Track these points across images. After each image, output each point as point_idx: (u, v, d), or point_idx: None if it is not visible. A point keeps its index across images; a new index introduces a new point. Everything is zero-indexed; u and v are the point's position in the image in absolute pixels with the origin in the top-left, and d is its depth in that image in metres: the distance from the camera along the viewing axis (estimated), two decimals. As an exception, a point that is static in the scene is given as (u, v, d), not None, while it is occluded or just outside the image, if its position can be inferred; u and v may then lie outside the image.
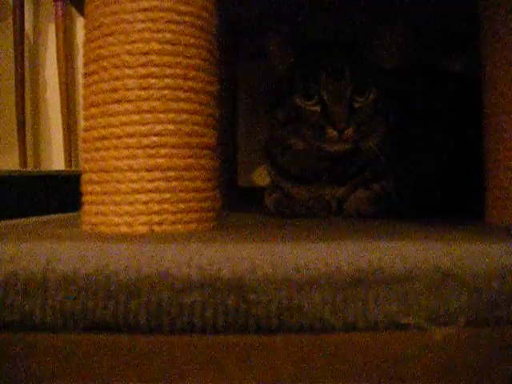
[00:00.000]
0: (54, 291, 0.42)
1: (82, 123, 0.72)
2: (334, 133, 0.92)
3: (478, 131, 0.83)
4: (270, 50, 1.03)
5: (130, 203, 0.65)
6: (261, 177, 1.71)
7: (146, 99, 0.66)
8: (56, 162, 1.89)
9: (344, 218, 0.96)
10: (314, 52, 1.00)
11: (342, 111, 0.92)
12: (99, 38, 0.68)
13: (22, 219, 0.91)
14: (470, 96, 0.92)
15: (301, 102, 0.96)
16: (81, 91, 0.72)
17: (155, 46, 0.66)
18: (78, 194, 0.72)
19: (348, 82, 0.94)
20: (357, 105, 0.95)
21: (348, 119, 0.92)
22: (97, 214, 0.67)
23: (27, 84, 1.85)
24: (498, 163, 0.78)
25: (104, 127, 0.67)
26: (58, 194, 1.46)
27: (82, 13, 0.86)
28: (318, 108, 0.95)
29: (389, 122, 0.98)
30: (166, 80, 0.66)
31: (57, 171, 1.73)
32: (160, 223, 0.65)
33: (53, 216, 1.00)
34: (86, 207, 0.70)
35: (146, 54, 0.66)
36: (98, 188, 0.67)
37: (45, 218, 0.96)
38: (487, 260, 0.44)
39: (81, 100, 0.72)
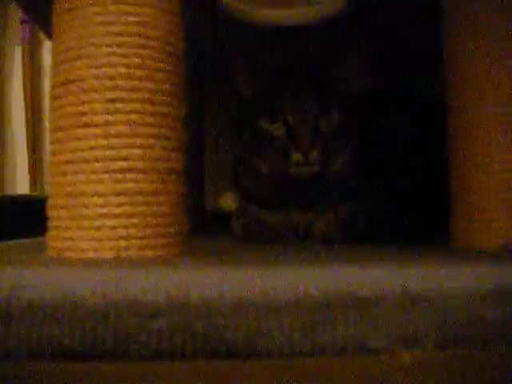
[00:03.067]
0: (18, 319, 0.41)
1: (47, 147, 0.71)
2: (299, 156, 0.91)
3: (446, 155, 0.85)
4: (234, 74, 1.04)
5: (97, 228, 0.64)
6: (228, 202, 1.70)
7: (114, 124, 0.65)
8: (20, 185, 1.87)
9: (312, 243, 0.96)
10: (279, 74, 1.01)
11: (306, 134, 0.91)
12: (66, 61, 0.68)
13: (-15, 245, 0.89)
14: (438, 121, 0.93)
15: (265, 124, 0.96)
16: (47, 115, 0.71)
17: (122, 70, 0.66)
18: (43, 219, 0.71)
19: (313, 105, 0.94)
20: (322, 127, 0.94)
21: (313, 142, 0.91)
22: (63, 239, 0.66)
23: (-8, 107, 1.83)
24: (463, 188, 0.79)
25: (71, 151, 0.66)
26: (23, 219, 1.44)
27: (49, 36, 0.86)
28: (282, 131, 0.94)
29: (355, 144, 0.99)
30: (133, 104, 0.66)
31: (21, 195, 1.70)
32: (127, 248, 0.65)
33: (17, 241, 0.98)
34: (51, 232, 0.69)
35: (113, 78, 0.66)
36: (64, 213, 0.66)
37: (9, 243, 0.94)
38: (454, 282, 0.44)
39: (47, 124, 0.72)
